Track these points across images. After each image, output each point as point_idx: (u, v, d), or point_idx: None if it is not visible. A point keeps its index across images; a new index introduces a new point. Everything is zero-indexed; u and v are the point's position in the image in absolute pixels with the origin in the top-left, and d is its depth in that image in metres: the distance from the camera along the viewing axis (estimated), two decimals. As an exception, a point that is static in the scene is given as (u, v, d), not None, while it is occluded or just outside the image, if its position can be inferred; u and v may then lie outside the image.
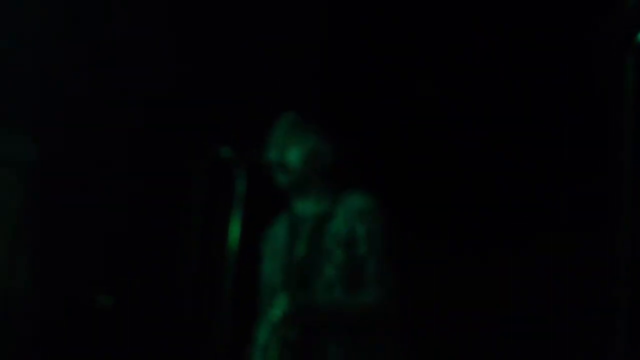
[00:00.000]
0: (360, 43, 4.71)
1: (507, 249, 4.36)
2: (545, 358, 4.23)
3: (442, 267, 4.50)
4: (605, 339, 3.29)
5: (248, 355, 3.46)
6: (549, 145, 4.29)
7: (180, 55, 4.82)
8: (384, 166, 4.62)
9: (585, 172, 4.09)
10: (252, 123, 4.02)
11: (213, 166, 3.27)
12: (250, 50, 4.78)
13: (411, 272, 4.08)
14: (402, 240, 3.42)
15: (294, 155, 3.44)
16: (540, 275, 4.30)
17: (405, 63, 4.64)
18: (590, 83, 3.90)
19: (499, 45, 4.38)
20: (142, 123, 4.86)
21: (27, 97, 4.77)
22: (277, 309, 3.23)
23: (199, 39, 4.84)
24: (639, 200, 1.77)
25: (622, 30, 1.72)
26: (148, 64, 4.78)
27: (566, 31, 4.10)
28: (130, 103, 4.84)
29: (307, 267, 3.35)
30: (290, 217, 3.52)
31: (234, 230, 3.27)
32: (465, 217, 4.51)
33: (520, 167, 4.41)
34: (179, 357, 4.55)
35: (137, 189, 4.88)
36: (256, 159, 3.37)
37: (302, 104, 3.62)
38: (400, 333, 3.37)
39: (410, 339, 3.53)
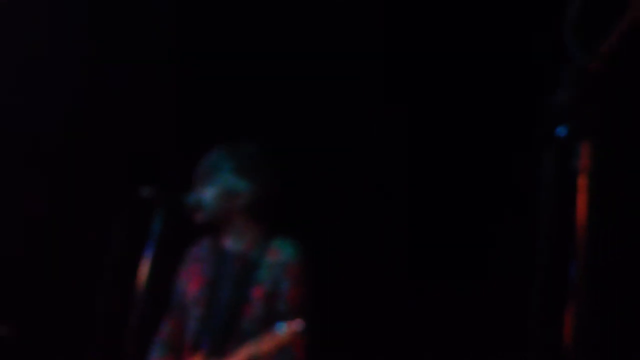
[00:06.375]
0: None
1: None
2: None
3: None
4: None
5: None
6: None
7: (102, 93, 4.78)
8: (313, 207, 4.63)
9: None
10: (176, 163, 3.99)
11: (133, 205, 3.27)
12: (177, 86, 4.77)
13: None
14: (321, 294, 3.45)
15: (208, 194, 3.44)
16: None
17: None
18: (511, 176, 4.02)
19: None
20: (64, 159, 4.80)
21: None
22: None
23: (125, 75, 4.80)
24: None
25: (546, 124, 1.80)
26: (67, 103, 4.73)
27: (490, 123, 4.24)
28: (52, 140, 4.77)
29: (229, 315, 3.35)
30: (216, 248, 3.51)
31: (144, 269, 3.26)
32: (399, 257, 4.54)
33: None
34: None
35: (54, 223, 4.80)
36: (176, 199, 3.38)
37: (228, 142, 3.62)
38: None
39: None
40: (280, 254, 3.41)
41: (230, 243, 3.48)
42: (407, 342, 4.44)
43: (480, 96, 4.32)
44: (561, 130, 1.82)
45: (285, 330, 3.12)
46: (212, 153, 3.53)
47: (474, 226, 4.35)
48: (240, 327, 3.31)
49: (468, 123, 4.39)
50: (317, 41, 4.65)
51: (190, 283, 3.50)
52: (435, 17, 4.42)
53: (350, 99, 4.66)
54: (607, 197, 2.02)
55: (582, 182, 1.82)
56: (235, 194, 3.44)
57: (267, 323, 3.29)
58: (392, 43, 4.53)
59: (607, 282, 3.23)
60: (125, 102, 4.77)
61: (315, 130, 4.64)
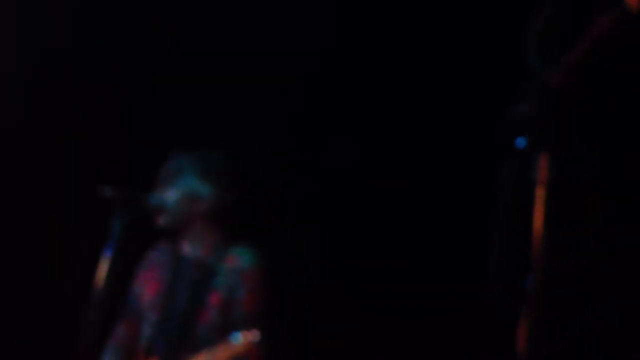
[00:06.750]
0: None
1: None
2: None
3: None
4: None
5: None
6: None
7: (64, 92, 4.75)
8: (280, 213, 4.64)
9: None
10: (138, 162, 3.97)
11: (94, 204, 3.25)
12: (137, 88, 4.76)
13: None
14: (279, 303, 3.45)
15: (171, 196, 3.41)
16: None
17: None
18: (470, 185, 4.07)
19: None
20: (23, 157, 4.76)
21: None
22: None
23: (84, 73, 4.78)
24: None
25: (505, 136, 1.83)
26: (27, 99, 4.71)
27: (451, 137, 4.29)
28: (12, 137, 4.73)
29: (184, 321, 3.33)
30: (174, 253, 3.49)
31: (103, 269, 3.26)
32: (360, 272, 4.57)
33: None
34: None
35: (12, 222, 4.75)
36: (137, 199, 3.36)
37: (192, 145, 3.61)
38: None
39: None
40: (238, 260, 3.39)
41: (189, 248, 3.46)
42: (365, 351, 4.47)
43: (440, 106, 4.36)
44: (520, 142, 1.85)
45: (240, 340, 3.12)
46: (178, 155, 3.50)
47: (432, 233, 4.39)
48: (195, 333, 3.29)
49: (427, 134, 4.42)
50: (275, 46, 4.67)
51: (147, 287, 3.47)
52: (396, 25, 4.45)
53: (304, 104, 4.68)
54: (563, 208, 2.06)
55: (540, 193, 1.85)
56: (197, 198, 3.43)
57: (222, 330, 3.27)
58: (353, 52, 4.56)
59: (561, 291, 3.28)
60: (87, 101, 4.75)
61: (277, 140, 4.66)
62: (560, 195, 1.90)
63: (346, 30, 4.54)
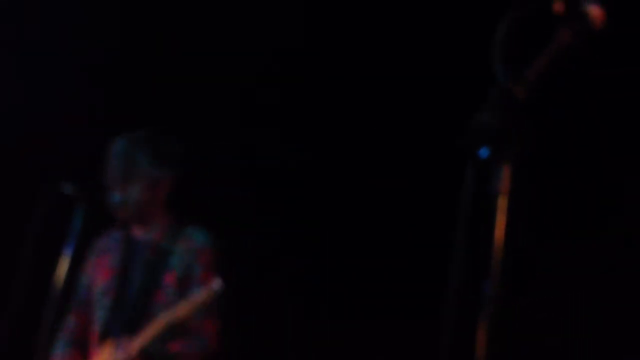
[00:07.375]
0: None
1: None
2: None
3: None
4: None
5: None
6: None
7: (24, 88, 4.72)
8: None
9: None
10: (96, 159, 3.94)
11: (54, 201, 3.22)
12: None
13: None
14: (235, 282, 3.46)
15: (134, 192, 3.38)
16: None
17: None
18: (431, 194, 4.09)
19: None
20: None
21: None
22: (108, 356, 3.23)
23: (45, 70, 4.75)
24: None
25: (468, 145, 1.85)
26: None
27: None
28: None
29: (140, 301, 3.33)
30: (125, 238, 3.47)
31: (63, 265, 3.24)
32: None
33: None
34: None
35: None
36: (98, 195, 3.34)
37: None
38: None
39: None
40: (193, 241, 3.40)
41: (142, 232, 3.45)
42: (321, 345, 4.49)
43: (404, 114, 4.37)
44: (483, 152, 1.87)
45: (202, 290, 3.13)
46: (118, 147, 3.41)
47: (394, 240, 4.40)
48: (151, 313, 3.28)
49: (390, 141, 4.44)
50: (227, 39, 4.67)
51: (98, 275, 3.45)
52: (363, 29, 4.46)
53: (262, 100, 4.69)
54: (522, 218, 2.08)
55: (502, 203, 1.86)
56: (158, 184, 3.41)
57: None
58: (318, 54, 4.56)
59: (521, 297, 3.32)
60: (47, 98, 4.72)
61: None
62: (521, 205, 1.92)
63: (311, 31, 4.55)
